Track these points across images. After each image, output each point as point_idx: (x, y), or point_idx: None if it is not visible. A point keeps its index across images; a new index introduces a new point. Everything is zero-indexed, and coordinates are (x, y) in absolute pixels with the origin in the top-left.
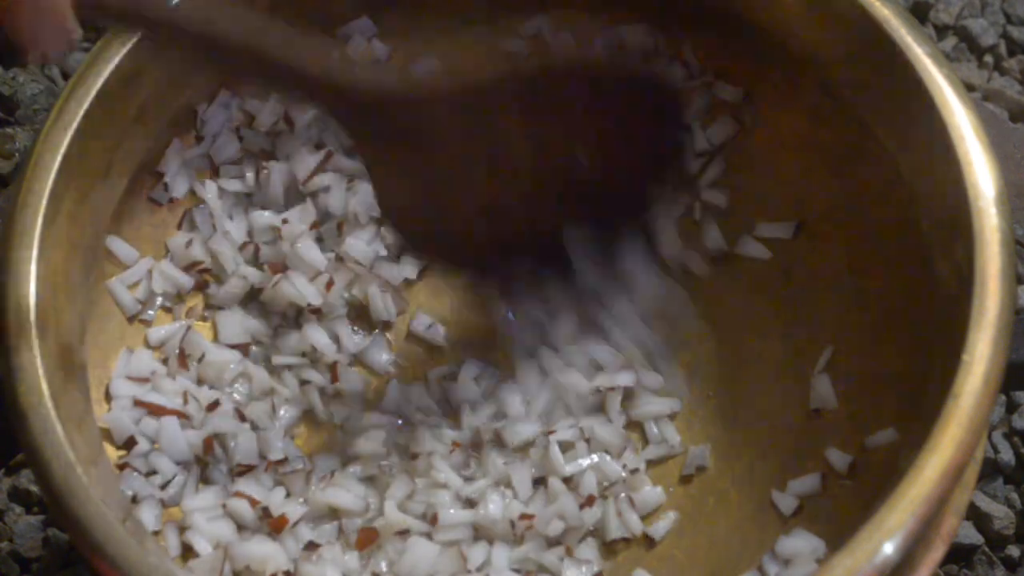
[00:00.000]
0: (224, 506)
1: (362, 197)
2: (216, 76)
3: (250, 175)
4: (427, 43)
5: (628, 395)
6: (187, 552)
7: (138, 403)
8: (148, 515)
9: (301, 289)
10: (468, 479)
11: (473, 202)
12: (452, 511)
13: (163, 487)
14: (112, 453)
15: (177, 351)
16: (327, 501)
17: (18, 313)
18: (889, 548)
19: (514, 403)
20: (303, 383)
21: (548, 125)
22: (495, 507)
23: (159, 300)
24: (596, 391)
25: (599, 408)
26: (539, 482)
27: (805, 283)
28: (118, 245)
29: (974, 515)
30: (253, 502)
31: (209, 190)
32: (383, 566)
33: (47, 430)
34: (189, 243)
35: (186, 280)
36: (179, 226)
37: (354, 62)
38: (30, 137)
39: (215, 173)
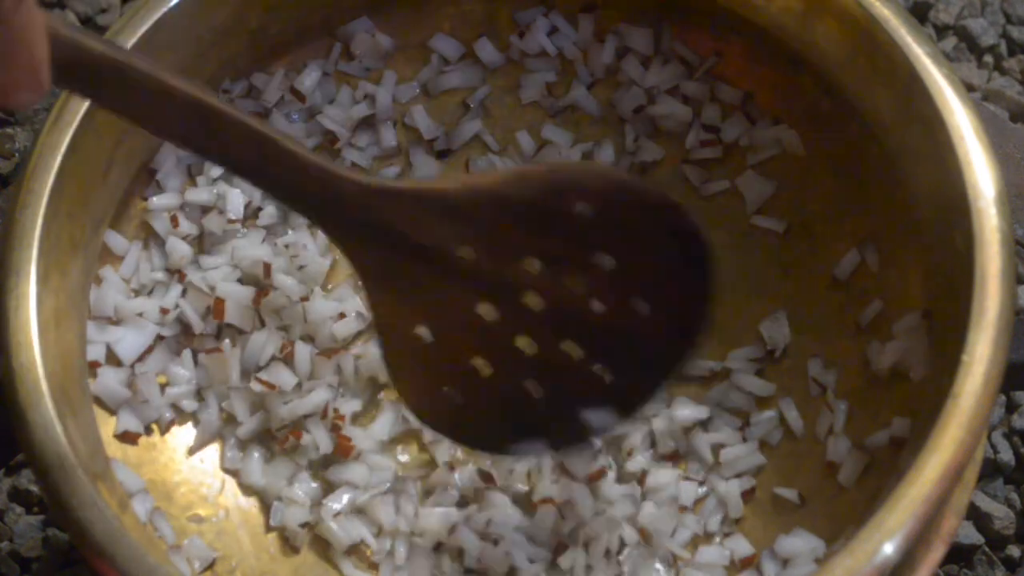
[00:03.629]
0: None
1: None
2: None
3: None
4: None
5: None
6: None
7: None
8: (140, 507)
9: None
10: None
11: (483, 337)
12: None
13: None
14: (111, 452)
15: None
16: None
17: (18, 313)
18: (889, 548)
19: None
20: None
21: (564, 255)
22: None
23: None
24: None
25: None
26: None
27: (805, 282)
28: (114, 240)
29: (974, 515)
30: None
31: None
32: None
33: (47, 430)
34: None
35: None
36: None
37: (355, 174)
38: (30, 137)
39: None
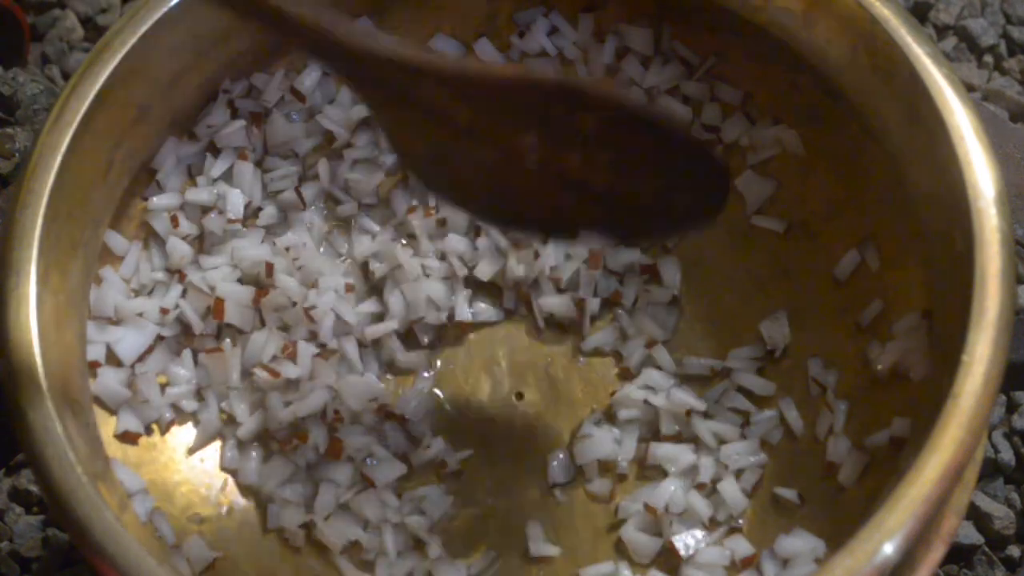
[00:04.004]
0: None
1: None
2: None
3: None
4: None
5: None
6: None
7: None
8: (140, 507)
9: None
10: None
11: (484, 180)
12: None
13: None
14: (111, 452)
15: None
16: None
17: (18, 313)
18: (889, 548)
19: None
20: None
21: (563, 141)
22: None
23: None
24: None
25: None
26: None
27: (803, 283)
28: (114, 239)
29: (974, 515)
30: None
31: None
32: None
33: (47, 430)
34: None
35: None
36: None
37: (376, 30)
38: (30, 137)
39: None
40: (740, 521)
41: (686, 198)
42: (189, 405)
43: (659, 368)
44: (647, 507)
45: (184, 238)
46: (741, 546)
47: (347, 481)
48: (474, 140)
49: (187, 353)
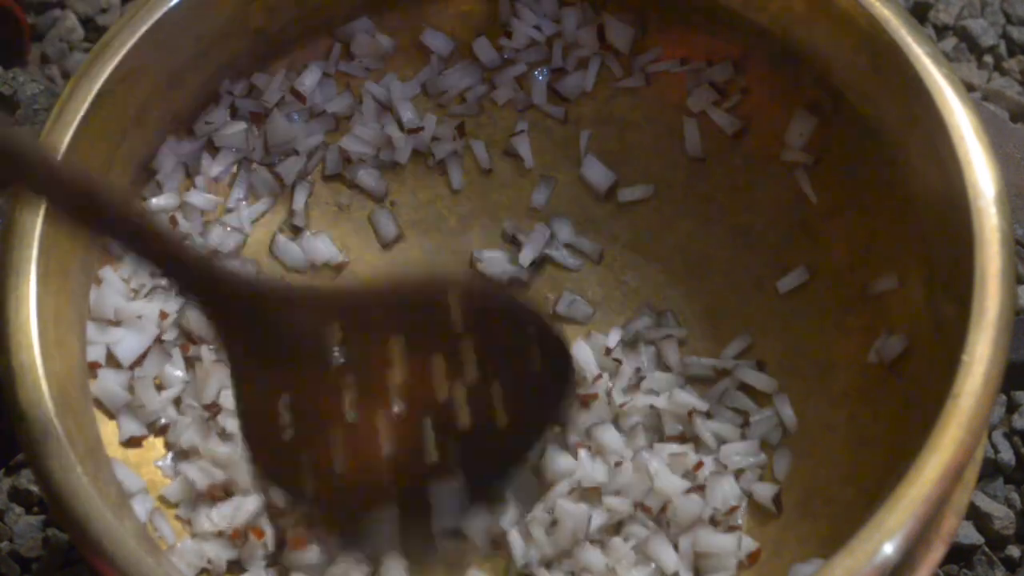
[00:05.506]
0: None
1: None
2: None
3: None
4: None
5: None
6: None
7: None
8: (140, 507)
9: None
10: None
11: (342, 428)
12: None
13: None
14: (111, 452)
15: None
16: None
17: (18, 313)
18: (889, 548)
19: None
20: None
21: (430, 352)
22: None
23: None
24: None
25: None
26: None
27: (804, 282)
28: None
29: (974, 515)
30: None
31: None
32: None
33: (47, 430)
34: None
35: None
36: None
37: (234, 270)
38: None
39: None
40: (740, 520)
41: (539, 391)
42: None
43: (667, 369)
44: (643, 507)
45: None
46: (745, 543)
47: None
48: (339, 378)
49: (179, 355)
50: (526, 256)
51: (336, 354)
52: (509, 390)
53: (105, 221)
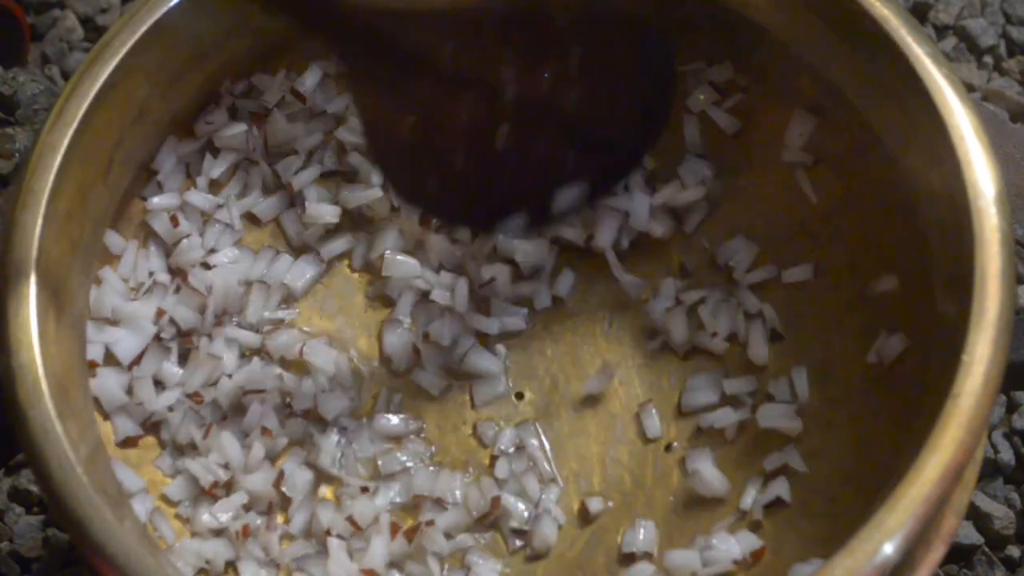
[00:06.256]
0: None
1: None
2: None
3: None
4: None
5: None
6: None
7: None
8: (140, 507)
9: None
10: None
11: (461, 130)
12: None
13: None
14: (111, 452)
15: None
16: None
17: (18, 313)
18: (889, 548)
19: None
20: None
21: (539, 60)
22: None
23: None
24: None
25: None
26: None
27: (803, 283)
28: (112, 239)
29: (974, 515)
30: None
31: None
32: None
33: (47, 430)
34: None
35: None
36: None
37: None
38: (30, 137)
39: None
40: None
41: (644, 98)
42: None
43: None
44: None
45: (186, 237)
46: (749, 541)
47: None
48: (455, 86)
49: (177, 353)
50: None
51: (449, 64)
52: (617, 98)
53: None
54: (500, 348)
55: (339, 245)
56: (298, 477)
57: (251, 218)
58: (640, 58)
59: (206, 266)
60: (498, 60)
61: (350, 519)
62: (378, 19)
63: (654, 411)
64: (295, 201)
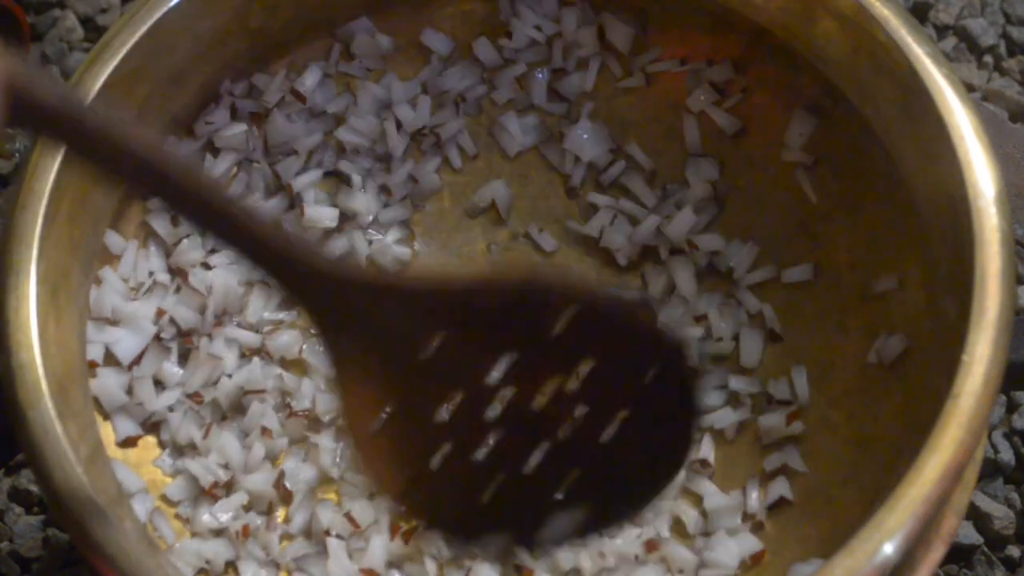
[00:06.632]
0: None
1: None
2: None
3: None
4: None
5: None
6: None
7: None
8: (140, 507)
9: None
10: None
11: (439, 431)
12: None
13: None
14: (111, 452)
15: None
16: None
17: (18, 313)
18: (889, 548)
19: None
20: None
21: (538, 371)
22: None
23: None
24: None
25: None
26: None
27: (803, 283)
28: (112, 239)
29: (974, 515)
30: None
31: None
32: None
33: (47, 430)
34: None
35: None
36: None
37: (322, 252)
38: (30, 137)
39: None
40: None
41: (658, 426)
42: (183, 406)
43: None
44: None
45: (187, 237)
46: (749, 542)
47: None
48: (438, 383)
49: (176, 353)
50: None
51: (432, 349)
52: (629, 420)
53: (196, 208)
54: None
55: (339, 246)
56: (299, 477)
57: None
58: (657, 377)
59: (206, 266)
60: (488, 364)
61: (349, 518)
62: (356, 294)
63: None
64: (295, 203)
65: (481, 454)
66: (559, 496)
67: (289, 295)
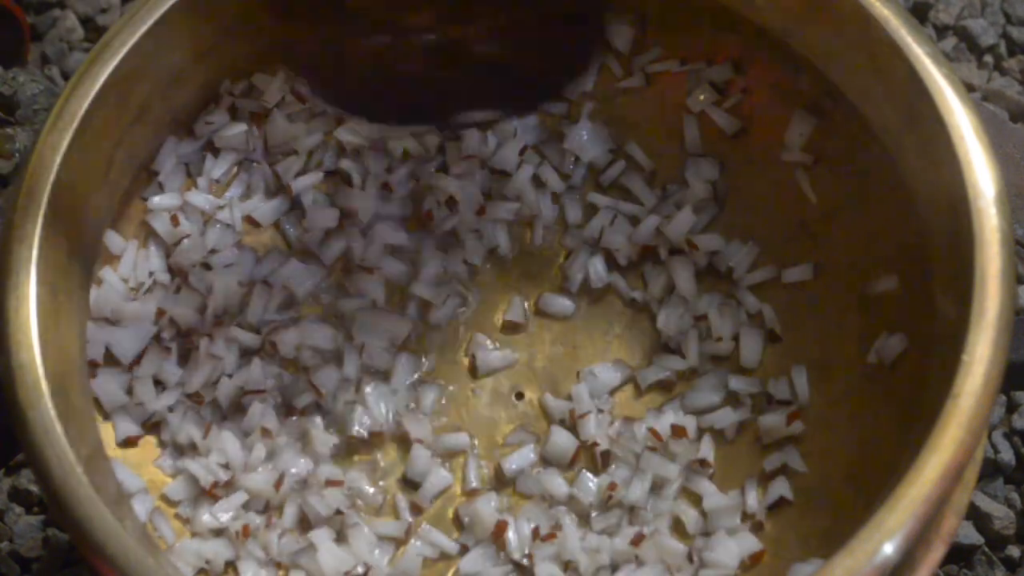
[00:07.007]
0: None
1: None
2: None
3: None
4: None
5: None
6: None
7: None
8: (140, 507)
9: None
10: None
11: (376, 63)
12: None
13: None
14: (111, 452)
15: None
16: None
17: (18, 313)
18: (889, 548)
19: None
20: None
21: (462, 15)
22: None
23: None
24: None
25: None
26: None
27: (803, 283)
28: (112, 239)
29: (974, 515)
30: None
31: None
32: None
33: (47, 430)
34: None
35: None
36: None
37: None
38: (30, 137)
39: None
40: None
41: (564, 50)
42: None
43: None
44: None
45: (185, 238)
46: (749, 542)
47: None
48: (365, 24)
49: (176, 353)
50: None
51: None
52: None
53: None
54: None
55: (338, 246)
56: (298, 472)
57: (252, 220)
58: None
59: (206, 266)
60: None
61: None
62: None
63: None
64: (295, 203)
65: (407, 65)
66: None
67: None
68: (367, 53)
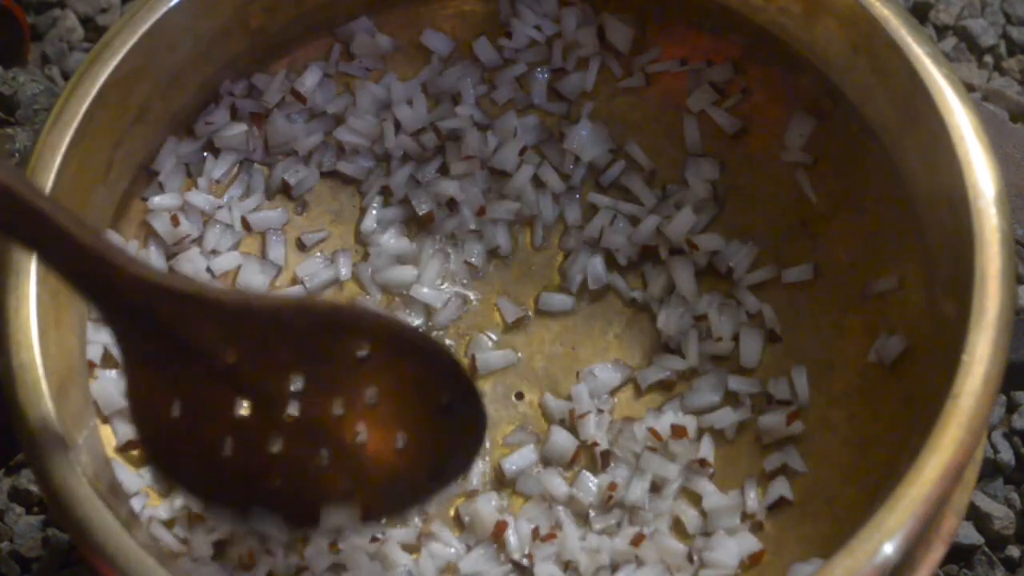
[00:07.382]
0: None
1: None
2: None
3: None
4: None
5: None
6: None
7: None
8: (140, 507)
9: None
10: None
11: (231, 425)
12: None
13: None
14: (111, 452)
15: None
16: None
17: (18, 313)
18: (889, 548)
19: None
20: None
21: (330, 389)
22: None
23: None
24: None
25: None
26: None
27: (803, 283)
28: (112, 239)
29: (974, 515)
30: None
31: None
32: None
33: (47, 430)
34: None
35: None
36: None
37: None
38: (30, 137)
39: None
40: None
41: (446, 442)
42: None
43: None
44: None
45: (185, 238)
46: (749, 542)
47: None
48: (233, 385)
49: None
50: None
51: (227, 359)
52: (413, 429)
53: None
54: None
55: (339, 246)
56: None
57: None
58: (445, 400)
59: (207, 268)
60: (284, 377)
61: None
62: (158, 299)
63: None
64: (295, 203)
65: (271, 447)
66: (341, 488)
67: (88, 300)
68: (229, 424)
